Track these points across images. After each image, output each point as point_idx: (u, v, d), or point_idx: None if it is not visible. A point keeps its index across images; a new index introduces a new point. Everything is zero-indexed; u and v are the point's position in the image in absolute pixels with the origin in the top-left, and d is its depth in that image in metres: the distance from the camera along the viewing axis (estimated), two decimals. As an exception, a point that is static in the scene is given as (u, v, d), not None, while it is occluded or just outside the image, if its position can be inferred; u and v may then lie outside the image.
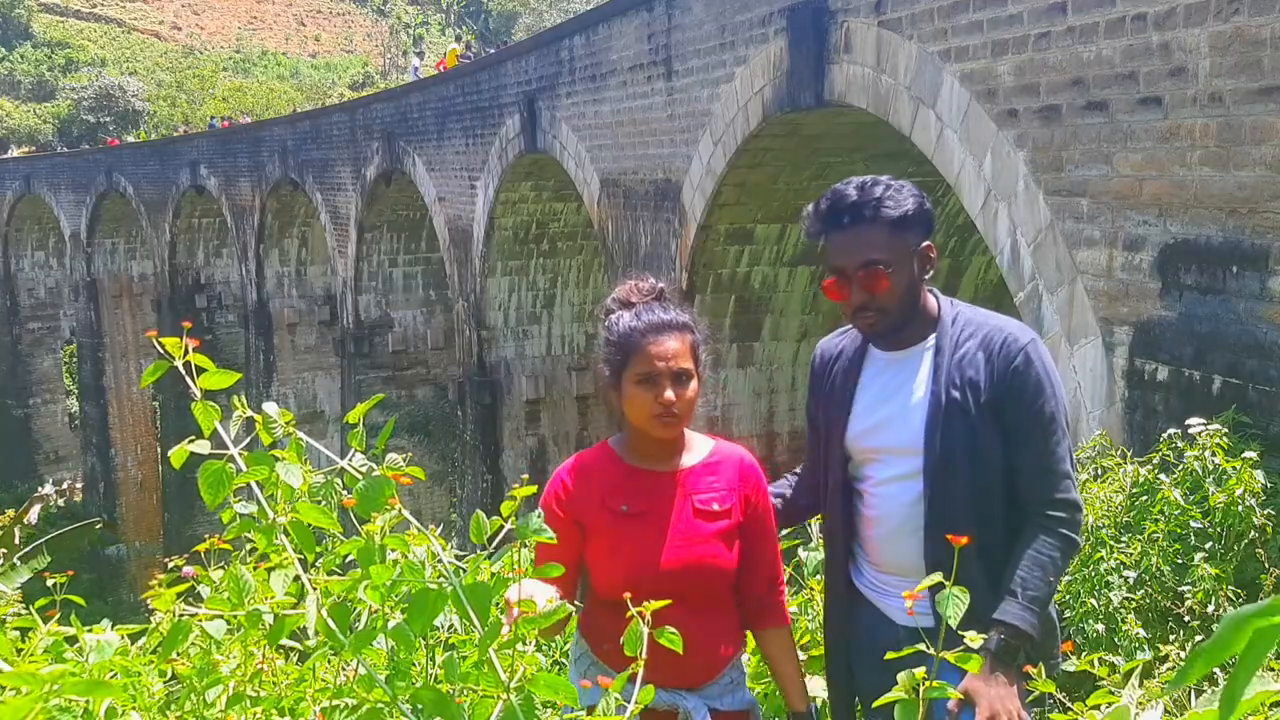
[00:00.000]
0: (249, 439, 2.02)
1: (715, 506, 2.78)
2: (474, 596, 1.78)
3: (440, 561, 1.89)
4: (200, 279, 33.20)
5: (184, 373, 1.89)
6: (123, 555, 36.26)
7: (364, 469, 1.94)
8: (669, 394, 2.72)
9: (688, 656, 2.68)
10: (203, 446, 1.89)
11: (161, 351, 1.86)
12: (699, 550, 2.74)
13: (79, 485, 40.07)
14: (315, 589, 1.87)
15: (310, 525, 1.90)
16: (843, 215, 2.79)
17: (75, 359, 42.13)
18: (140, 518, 36.69)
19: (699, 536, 2.75)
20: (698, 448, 2.86)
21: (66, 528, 6.17)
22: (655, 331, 2.79)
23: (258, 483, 1.89)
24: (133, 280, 37.64)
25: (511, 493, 2.08)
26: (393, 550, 1.91)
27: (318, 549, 1.97)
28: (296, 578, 1.90)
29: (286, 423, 1.96)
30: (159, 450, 35.39)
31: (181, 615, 2.08)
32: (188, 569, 2.29)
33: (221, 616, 2.01)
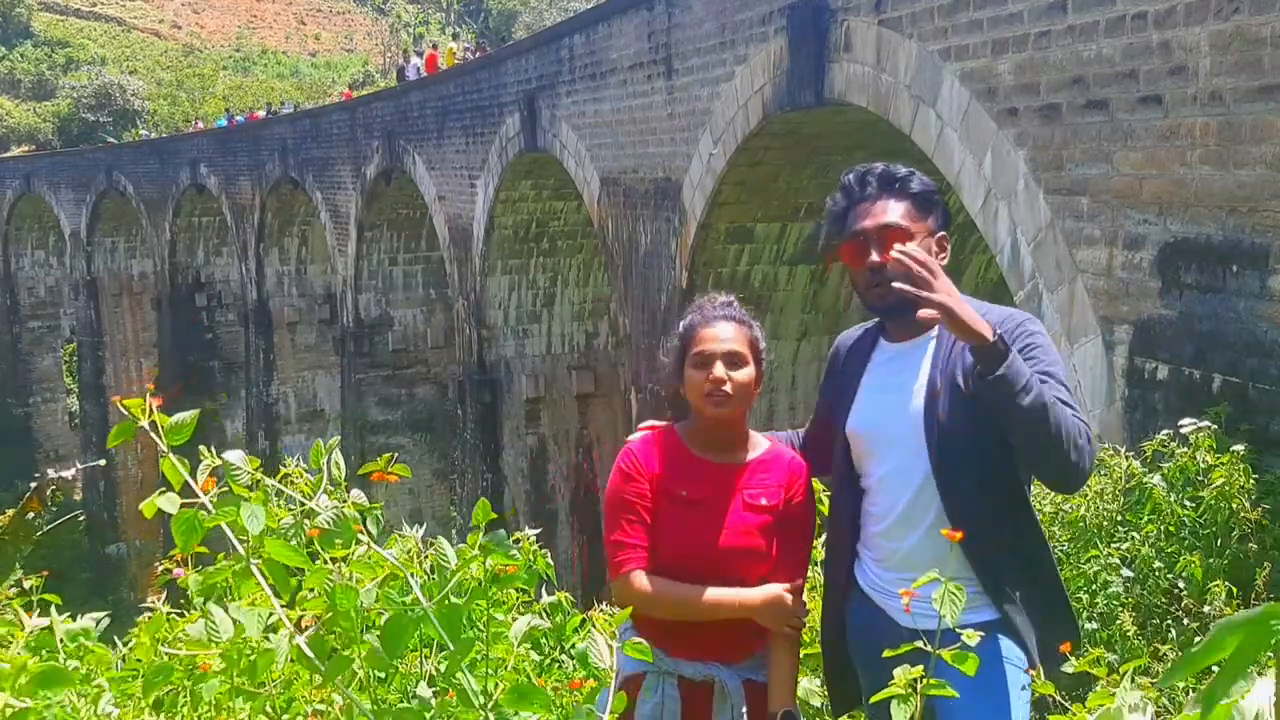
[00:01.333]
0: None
1: (763, 501, 2.93)
2: (445, 618, 1.80)
3: (413, 584, 1.91)
4: (200, 277, 33.19)
5: (151, 432, 1.96)
6: (123, 554, 36.24)
7: (329, 507, 1.98)
8: (719, 371, 2.87)
9: (726, 635, 2.87)
10: (172, 501, 1.94)
11: (126, 414, 1.93)
12: (743, 540, 2.90)
13: (76, 468, 39.97)
14: (289, 624, 1.90)
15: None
16: (868, 185, 2.89)
17: (75, 357, 42.11)
18: (140, 517, 36.48)
19: (745, 528, 2.90)
20: (756, 445, 3.02)
21: (51, 524, 6.17)
22: (712, 320, 2.98)
23: (228, 525, 1.94)
24: (133, 279, 37.62)
25: (475, 519, 2.10)
26: (366, 579, 1.94)
27: (291, 582, 2.01)
28: (271, 613, 1.94)
29: (255, 469, 2.01)
30: (159, 449, 35.31)
31: (162, 653, 2.11)
32: (179, 570, 2.31)
33: (200, 655, 2.04)
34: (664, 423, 3.07)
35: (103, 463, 32.59)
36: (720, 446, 2.97)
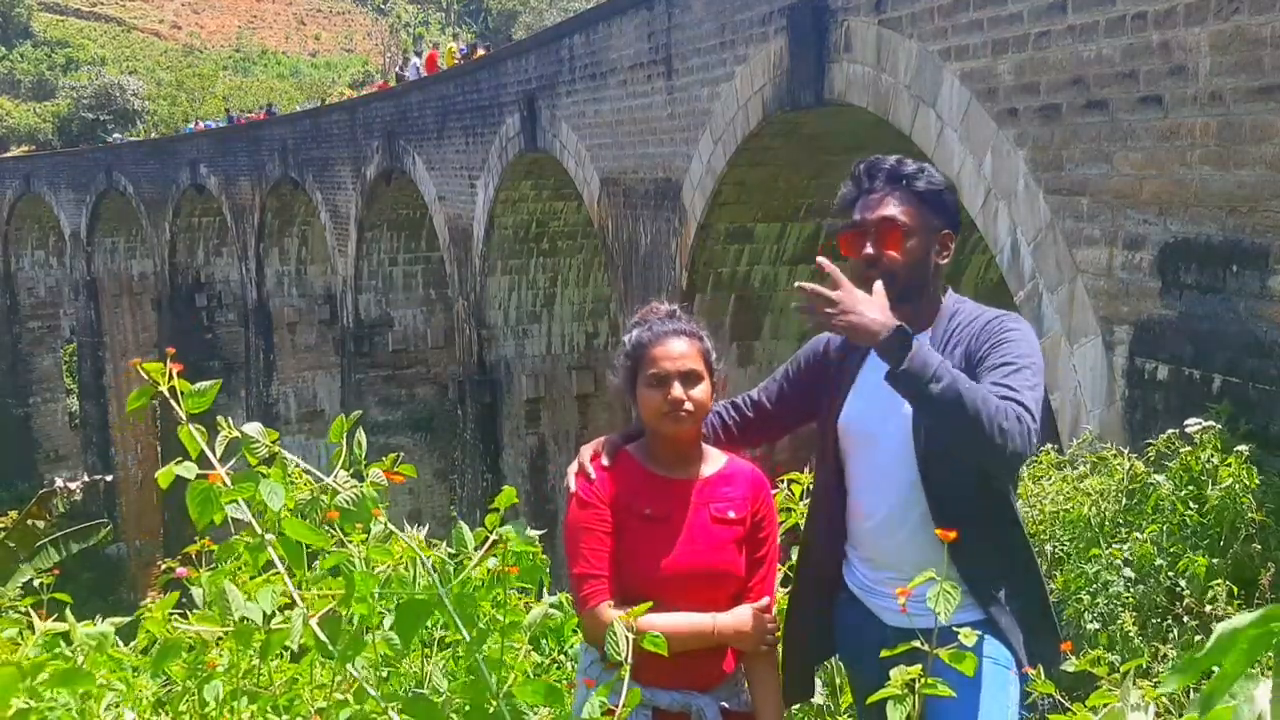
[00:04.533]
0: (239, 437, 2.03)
1: (730, 515, 2.86)
2: (460, 605, 1.80)
3: (429, 569, 1.90)
4: (200, 278, 33.20)
5: (170, 398, 1.93)
6: (123, 554, 36.25)
7: (348, 485, 1.96)
8: (677, 391, 2.80)
9: (699, 659, 2.75)
10: (189, 469, 1.92)
11: (146, 378, 1.90)
12: (714, 556, 2.83)
13: (83, 480, 39.98)
14: (303, 602, 1.89)
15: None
16: (876, 178, 2.88)
17: (75, 358, 42.11)
18: (140, 517, 36.67)
19: (714, 543, 2.83)
20: (714, 459, 2.95)
21: (71, 528, 6.16)
22: (663, 337, 2.88)
23: (245, 500, 1.91)
24: (133, 279, 37.62)
25: (497, 502, 2.09)
26: (381, 564, 1.93)
27: (308, 566, 2.00)
28: (285, 593, 1.92)
29: (272, 441, 1.99)
30: (159, 450, 35.42)
31: (173, 630, 2.10)
32: (181, 569, 2.31)
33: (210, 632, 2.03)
34: (608, 439, 2.97)
35: (109, 478, 32.57)
36: (678, 462, 2.89)
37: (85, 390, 39.50)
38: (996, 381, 2.59)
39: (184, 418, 1.95)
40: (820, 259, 2.70)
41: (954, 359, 2.74)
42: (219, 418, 2.05)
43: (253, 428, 2.01)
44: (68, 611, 2.26)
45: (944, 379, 2.49)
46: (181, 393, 1.97)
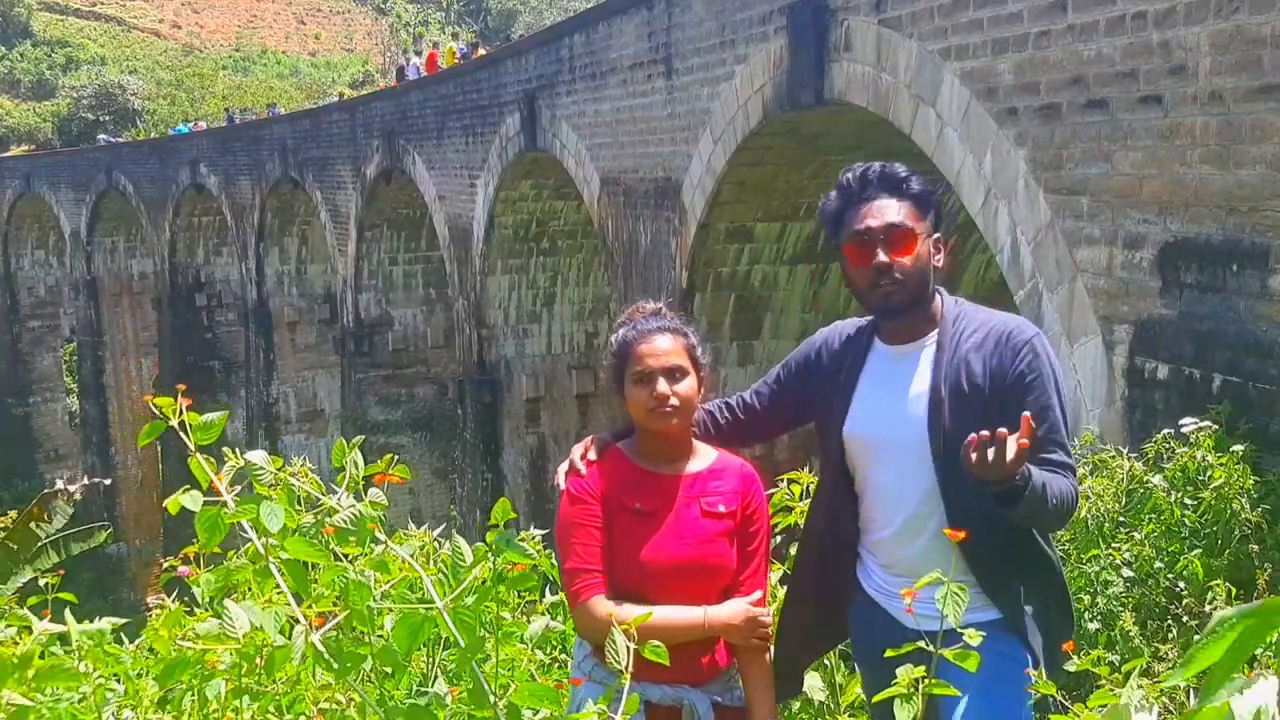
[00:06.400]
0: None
1: (721, 508, 2.88)
2: (459, 618, 1.81)
3: (427, 584, 1.92)
4: (200, 277, 33.18)
5: (180, 431, 1.98)
6: (123, 554, 36.25)
7: (348, 506, 1.99)
8: (662, 387, 2.83)
9: (691, 653, 2.75)
10: (196, 499, 1.96)
11: (157, 413, 1.94)
12: (705, 549, 2.84)
13: (83, 484, 39.96)
14: (305, 622, 1.91)
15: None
16: (869, 185, 2.86)
17: (75, 357, 42.10)
18: (140, 517, 36.67)
19: (705, 536, 2.85)
20: (703, 455, 2.97)
21: (71, 529, 6.15)
22: (647, 335, 2.91)
23: (249, 522, 1.95)
24: (133, 279, 37.61)
25: (494, 517, 2.11)
26: (383, 580, 1.95)
27: (309, 583, 2.02)
28: (291, 616, 1.95)
29: (278, 469, 2.03)
30: (159, 449, 35.41)
31: (180, 644, 2.12)
32: (183, 569, 2.32)
33: (215, 650, 2.06)
34: (599, 437, 2.99)
35: (108, 482, 32.63)
36: (667, 457, 2.92)
37: (85, 390, 39.49)
38: (1046, 455, 2.67)
39: (194, 449, 1.99)
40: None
41: (966, 371, 2.73)
42: (225, 449, 2.09)
43: (257, 455, 2.05)
44: (66, 611, 2.27)
45: (1045, 498, 2.58)
46: (191, 425, 2.01)
